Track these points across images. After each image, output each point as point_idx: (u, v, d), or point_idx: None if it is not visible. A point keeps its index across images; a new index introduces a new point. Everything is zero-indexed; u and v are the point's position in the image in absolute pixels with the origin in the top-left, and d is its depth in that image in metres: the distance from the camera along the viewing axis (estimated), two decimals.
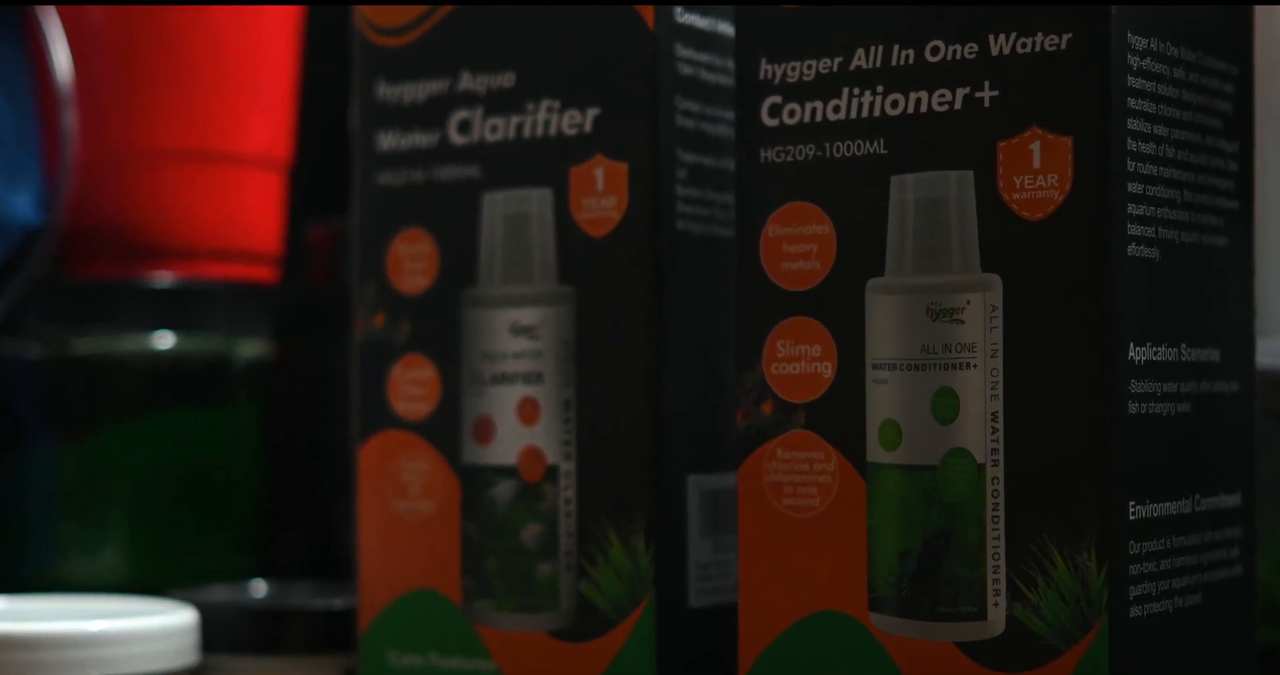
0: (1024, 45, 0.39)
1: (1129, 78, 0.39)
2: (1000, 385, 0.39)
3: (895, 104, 0.40)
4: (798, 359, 0.41)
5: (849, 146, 0.41)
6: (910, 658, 0.40)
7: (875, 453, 0.40)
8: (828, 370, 0.41)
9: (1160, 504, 0.39)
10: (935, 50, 0.40)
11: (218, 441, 0.61)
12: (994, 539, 0.39)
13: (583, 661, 0.44)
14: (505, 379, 0.45)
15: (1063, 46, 0.38)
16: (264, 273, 0.65)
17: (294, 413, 0.64)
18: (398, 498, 0.47)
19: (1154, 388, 0.39)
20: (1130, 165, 0.39)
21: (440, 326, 0.46)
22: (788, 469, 0.41)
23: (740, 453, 0.42)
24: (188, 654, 0.48)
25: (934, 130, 0.40)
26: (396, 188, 0.47)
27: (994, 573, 0.39)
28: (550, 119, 0.45)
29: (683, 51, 0.45)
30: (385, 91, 0.47)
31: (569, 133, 0.45)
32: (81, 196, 0.61)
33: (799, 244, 0.41)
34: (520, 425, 0.45)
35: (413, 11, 0.47)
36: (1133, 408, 0.39)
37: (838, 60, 0.41)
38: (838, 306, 0.41)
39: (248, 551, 0.63)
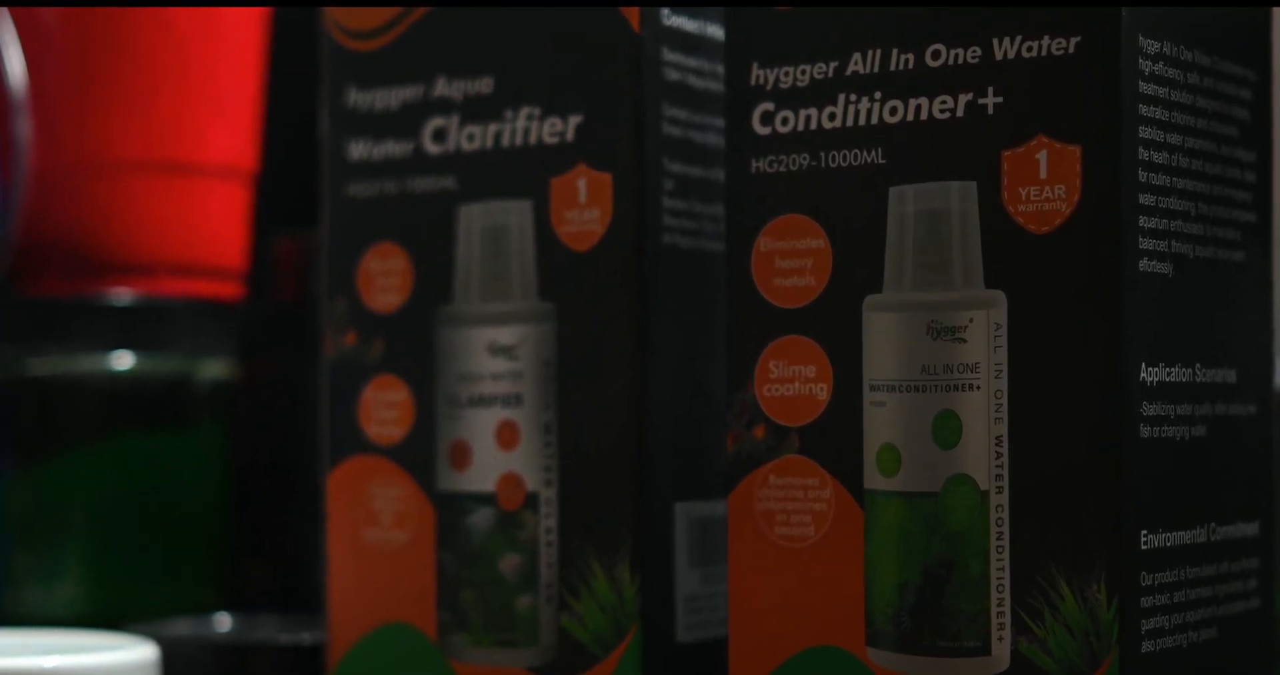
0: (1029, 49, 0.39)
1: (1140, 83, 0.38)
2: (1005, 408, 0.39)
3: (894, 111, 0.40)
4: (791, 380, 0.41)
5: (845, 156, 0.40)
6: None
7: (873, 479, 0.40)
8: (823, 392, 0.40)
9: (1174, 533, 0.39)
10: (936, 54, 0.40)
11: (180, 467, 0.61)
12: (998, 570, 0.39)
13: None
14: (483, 401, 0.45)
15: (1070, 50, 0.38)
16: (228, 289, 0.66)
17: (260, 437, 0.64)
18: (369, 526, 0.47)
19: (1167, 410, 0.39)
20: (1142, 176, 0.38)
21: (414, 346, 0.46)
22: (781, 496, 0.41)
23: (730, 479, 0.41)
24: None
25: (935, 139, 0.39)
26: (368, 199, 0.47)
27: (998, 605, 0.39)
28: (530, 127, 0.45)
29: (670, 56, 0.44)
30: (356, 98, 0.47)
31: (550, 141, 0.45)
32: (35, 209, 0.61)
33: (792, 259, 0.41)
34: (499, 450, 0.45)
35: (385, 14, 0.47)
36: (1144, 431, 0.38)
37: (833, 65, 0.41)
38: (833, 325, 0.40)
39: (211, 583, 0.63)
